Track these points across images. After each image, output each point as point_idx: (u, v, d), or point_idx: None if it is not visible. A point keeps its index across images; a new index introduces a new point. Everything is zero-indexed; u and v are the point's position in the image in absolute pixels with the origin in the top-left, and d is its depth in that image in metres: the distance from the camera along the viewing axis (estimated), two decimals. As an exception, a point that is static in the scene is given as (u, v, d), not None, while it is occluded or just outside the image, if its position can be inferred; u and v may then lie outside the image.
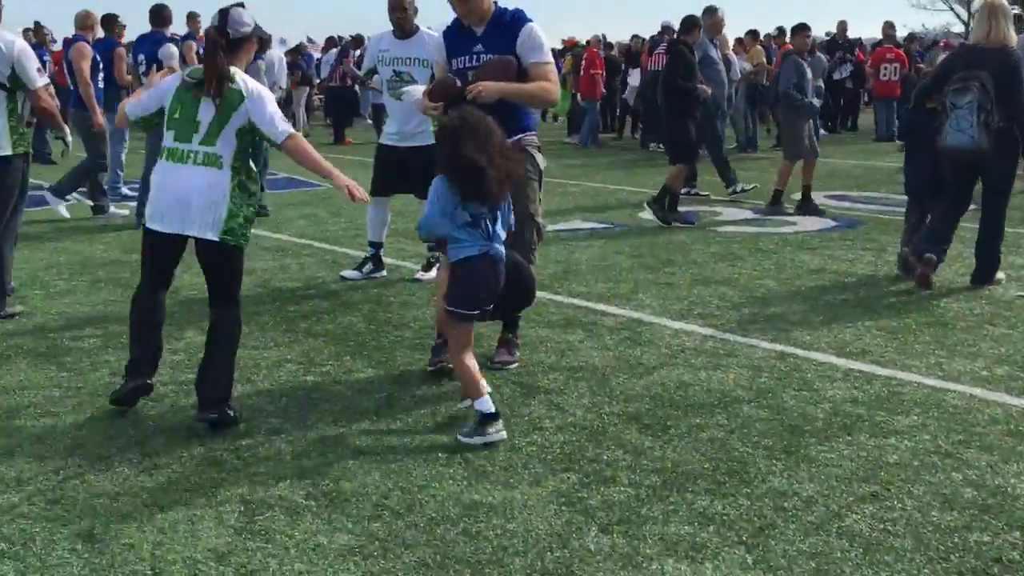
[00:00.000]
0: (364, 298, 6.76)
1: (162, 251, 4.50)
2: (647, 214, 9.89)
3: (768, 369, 5.17)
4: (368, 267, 7.41)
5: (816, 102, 11.02)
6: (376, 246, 7.45)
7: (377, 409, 4.63)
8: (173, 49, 9.73)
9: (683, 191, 10.62)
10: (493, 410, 4.25)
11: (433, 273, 6.98)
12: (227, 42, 4.43)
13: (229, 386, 4.46)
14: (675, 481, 3.85)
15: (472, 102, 4.59)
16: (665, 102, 10.25)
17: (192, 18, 13.57)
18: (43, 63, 14.90)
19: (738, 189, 11.49)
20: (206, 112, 4.36)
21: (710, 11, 11.77)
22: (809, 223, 9.63)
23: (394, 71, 7.11)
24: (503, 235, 4.48)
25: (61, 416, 4.50)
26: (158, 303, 4.60)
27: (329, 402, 4.72)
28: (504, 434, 4.24)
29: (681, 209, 10.02)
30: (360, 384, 4.98)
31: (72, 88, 10.06)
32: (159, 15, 10.39)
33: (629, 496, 3.72)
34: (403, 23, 7.07)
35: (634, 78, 18.94)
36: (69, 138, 7.09)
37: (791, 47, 11.09)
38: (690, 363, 5.31)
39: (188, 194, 4.33)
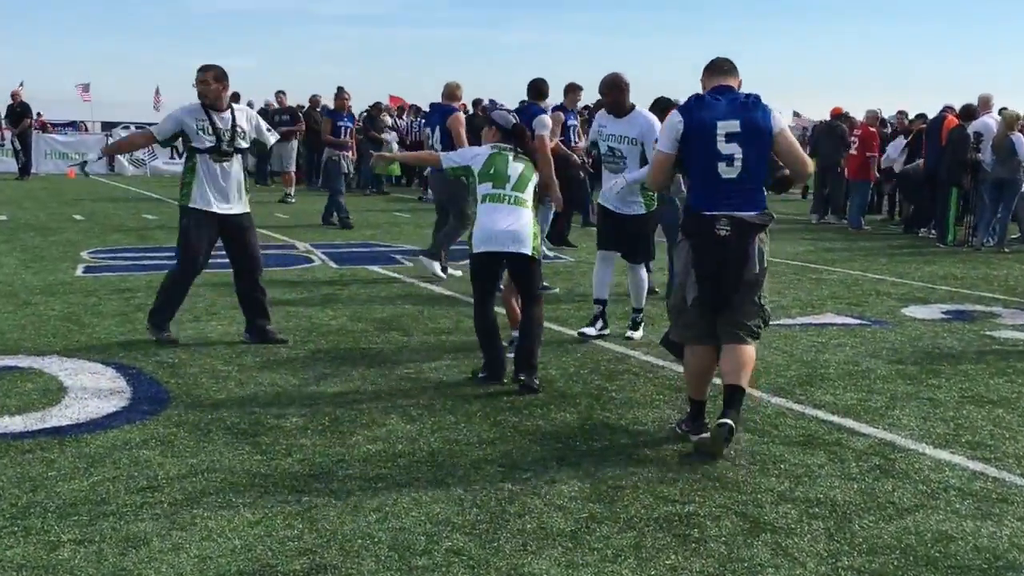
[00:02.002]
0: (583, 391, 6.24)
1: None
2: (912, 310, 8.85)
3: (1054, 526, 4.23)
4: (599, 324, 7.80)
5: None
6: (600, 303, 7.84)
7: (574, 532, 4.08)
8: (547, 119, 9.90)
9: None
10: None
11: (640, 333, 7.81)
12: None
13: (537, 357, 6.26)
14: (927, 677, 3.07)
15: None
16: None
17: (571, 89, 12.90)
18: (344, 130, 15.71)
19: None
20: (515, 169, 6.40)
21: None
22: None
23: (609, 147, 7.59)
24: None
25: (240, 510, 4.21)
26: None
27: (523, 518, 4.21)
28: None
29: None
30: (561, 498, 4.44)
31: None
32: (536, 89, 10.57)
33: None
34: (618, 103, 7.53)
35: (893, 152, 17.70)
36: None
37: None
38: (953, 507, 4.44)
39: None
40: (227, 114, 7.17)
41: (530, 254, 6.29)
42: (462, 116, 10.92)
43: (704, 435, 5.20)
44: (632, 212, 7.57)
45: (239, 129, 7.20)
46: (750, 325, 5.24)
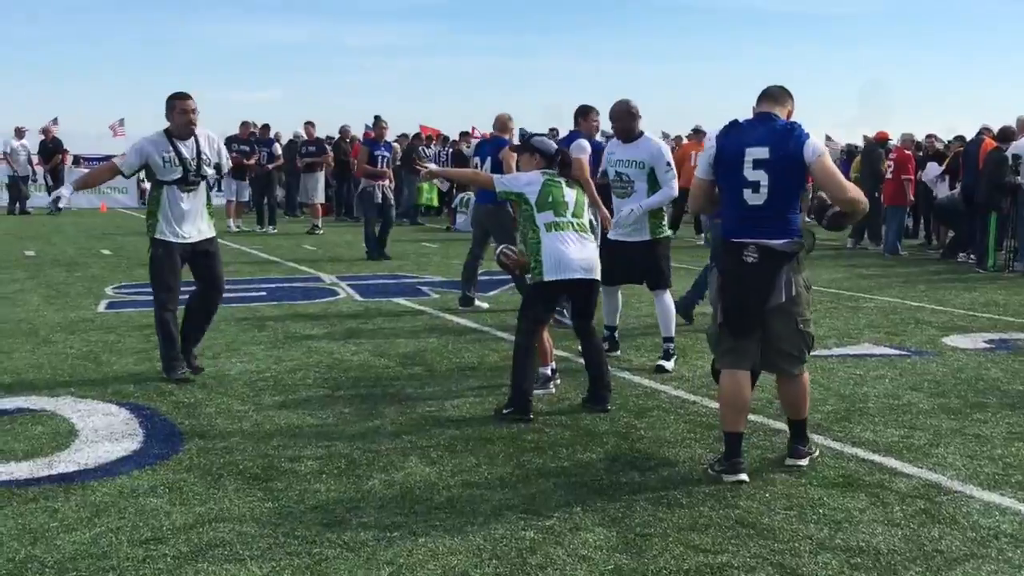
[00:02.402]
0: (611, 429, 6.00)
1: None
2: (954, 340, 8.53)
3: (1117, 577, 3.93)
4: (605, 347, 7.56)
5: None
6: (611, 329, 8.17)
7: (600, 586, 3.84)
8: (584, 143, 9.87)
9: None
10: (548, 374, 6.81)
11: (671, 364, 7.62)
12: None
13: (610, 378, 6.55)
14: None
15: None
16: None
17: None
18: (381, 160, 15.54)
19: None
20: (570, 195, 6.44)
21: None
22: None
23: (616, 172, 7.78)
24: None
25: (246, 563, 3.99)
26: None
27: (545, 570, 3.97)
28: (552, 390, 6.76)
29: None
30: (585, 548, 4.19)
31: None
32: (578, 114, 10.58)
33: None
34: (628, 129, 7.72)
35: (931, 173, 17.38)
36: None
37: None
38: (1006, 556, 4.15)
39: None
40: (190, 141, 7.10)
41: (598, 278, 6.47)
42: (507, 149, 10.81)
43: (742, 476, 5.01)
44: (638, 239, 7.69)
45: (204, 156, 7.13)
46: (791, 352, 5.17)
